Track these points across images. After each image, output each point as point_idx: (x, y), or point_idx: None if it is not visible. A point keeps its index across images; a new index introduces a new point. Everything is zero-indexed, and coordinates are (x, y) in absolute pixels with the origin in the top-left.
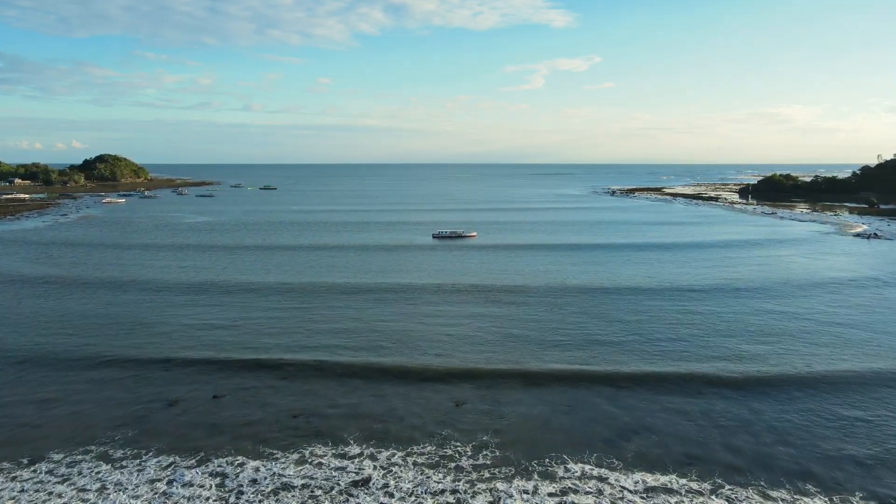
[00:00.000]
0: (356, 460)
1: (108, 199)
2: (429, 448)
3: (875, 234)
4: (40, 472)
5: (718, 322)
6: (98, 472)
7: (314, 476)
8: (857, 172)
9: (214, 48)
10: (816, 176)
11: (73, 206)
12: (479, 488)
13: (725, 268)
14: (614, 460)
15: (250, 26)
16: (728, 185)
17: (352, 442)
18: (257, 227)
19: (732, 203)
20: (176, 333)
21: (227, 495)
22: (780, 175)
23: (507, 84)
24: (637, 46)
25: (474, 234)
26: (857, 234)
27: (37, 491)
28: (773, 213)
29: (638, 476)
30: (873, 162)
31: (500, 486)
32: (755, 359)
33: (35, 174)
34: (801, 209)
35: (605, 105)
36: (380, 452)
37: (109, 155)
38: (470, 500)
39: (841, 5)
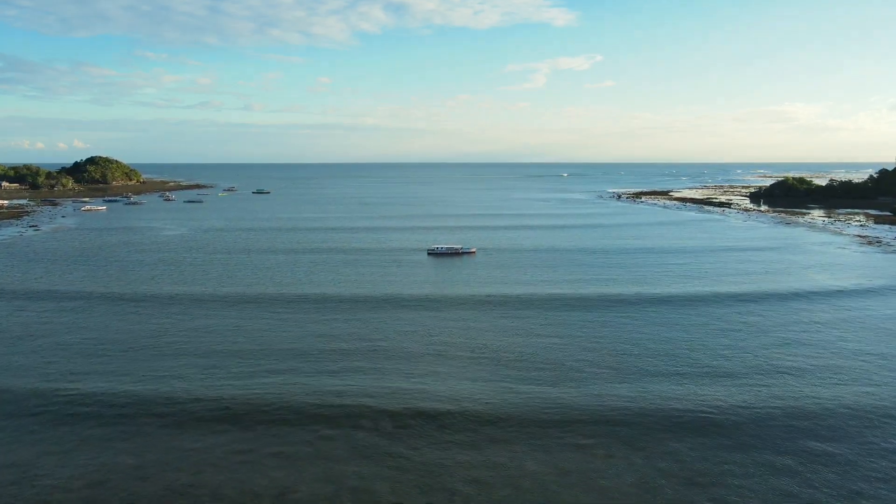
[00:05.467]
0: None
1: (87, 207)
2: None
3: None
4: None
5: None
6: None
7: None
8: (875, 175)
9: (214, 48)
10: (832, 179)
11: (48, 215)
12: None
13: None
14: None
15: (250, 26)
16: (736, 187)
17: None
18: (226, 253)
19: (747, 210)
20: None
21: None
22: (793, 178)
23: (509, 83)
24: (638, 45)
25: (474, 250)
26: None
27: None
28: (806, 225)
29: None
30: (885, 162)
31: None
32: None
33: (24, 177)
34: (821, 217)
35: (606, 104)
36: None
37: (101, 157)
38: None
39: (841, 3)
